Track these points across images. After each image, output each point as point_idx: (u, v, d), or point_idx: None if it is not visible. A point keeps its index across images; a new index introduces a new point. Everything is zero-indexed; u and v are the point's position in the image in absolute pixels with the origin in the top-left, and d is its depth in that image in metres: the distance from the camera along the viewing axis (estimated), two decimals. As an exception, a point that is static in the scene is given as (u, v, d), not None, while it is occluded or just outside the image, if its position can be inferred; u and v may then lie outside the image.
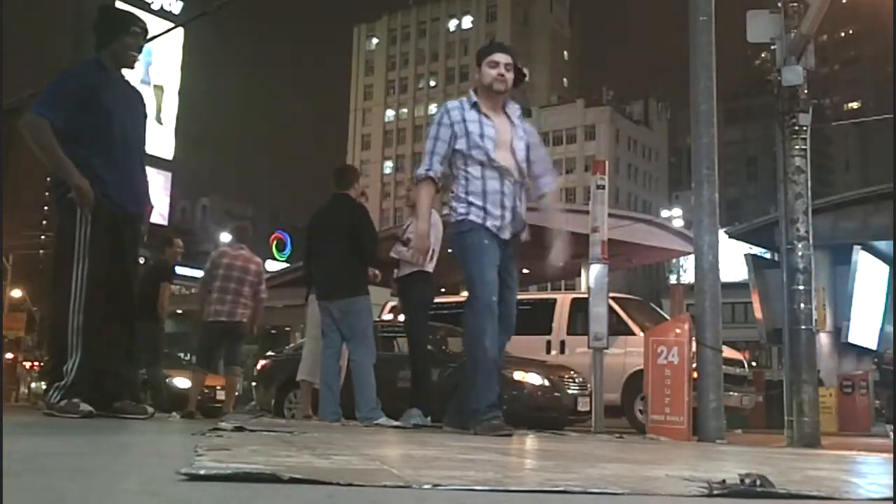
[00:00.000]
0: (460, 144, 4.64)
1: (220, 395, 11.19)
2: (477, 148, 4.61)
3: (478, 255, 4.56)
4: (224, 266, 8.06)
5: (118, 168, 4.38)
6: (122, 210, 4.39)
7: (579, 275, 20.53)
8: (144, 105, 4.76)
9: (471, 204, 4.61)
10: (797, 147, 6.81)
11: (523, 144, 4.74)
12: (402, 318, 10.54)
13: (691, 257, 7.64)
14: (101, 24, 4.64)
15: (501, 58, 4.71)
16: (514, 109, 4.83)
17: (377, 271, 6.56)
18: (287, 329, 25.41)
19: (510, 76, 4.70)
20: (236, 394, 9.48)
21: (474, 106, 4.71)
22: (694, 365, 6.85)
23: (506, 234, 4.65)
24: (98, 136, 4.32)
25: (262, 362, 11.88)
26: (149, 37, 4.97)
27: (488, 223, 4.59)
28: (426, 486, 1.57)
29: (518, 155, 4.69)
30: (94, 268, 4.21)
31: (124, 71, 4.64)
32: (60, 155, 4.18)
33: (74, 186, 4.15)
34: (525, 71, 5.13)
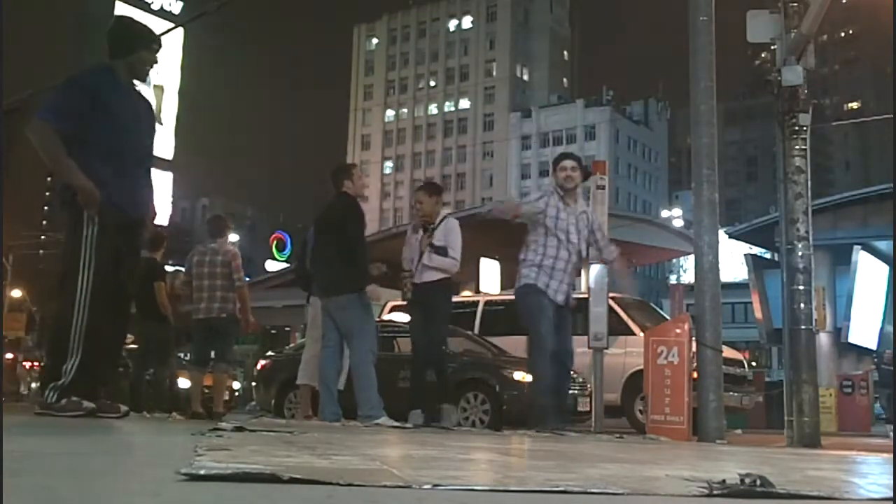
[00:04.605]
0: (546, 221, 6.04)
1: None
2: (558, 227, 6.06)
3: (543, 314, 5.94)
4: (195, 264, 8.07)
5: (122, 174, 4.42)
6: (125, 214, 4.42)
7: (579, 275, 20.53)
8: (154, 118, 4.83)
9: (540, 272, 6.01)
10: (797, 147, 6.81)
11: (587, 229, 6.23)
12: (398, 317, 10.58)
13: (691, 257, 7.64)
14: (120, 34, 4.73)
15: (568, 164, 6.24)
16: (581, 200, 6.38)
17: (384, 267, 6.60)
18: (287, 329, 25.40)
19: (576, 175, 6.22)
20: (235, 393, 9.44)
21: (559, 197, 6.20)
22: (694, 365, 6.85)
23: (560, 299, 6.03)
24: (104, 142, 4.36)
25: (262, 362, 11.85)
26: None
27: (549, 290, 5.98)
28: (426, 486, 1.57)
29: (581, 235, 6.16)
30: (100, 269, 4.23)
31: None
32: (65, 159, 4.21)
33: (79, 189, 4.18)
34: (590, 170, 6.97)
